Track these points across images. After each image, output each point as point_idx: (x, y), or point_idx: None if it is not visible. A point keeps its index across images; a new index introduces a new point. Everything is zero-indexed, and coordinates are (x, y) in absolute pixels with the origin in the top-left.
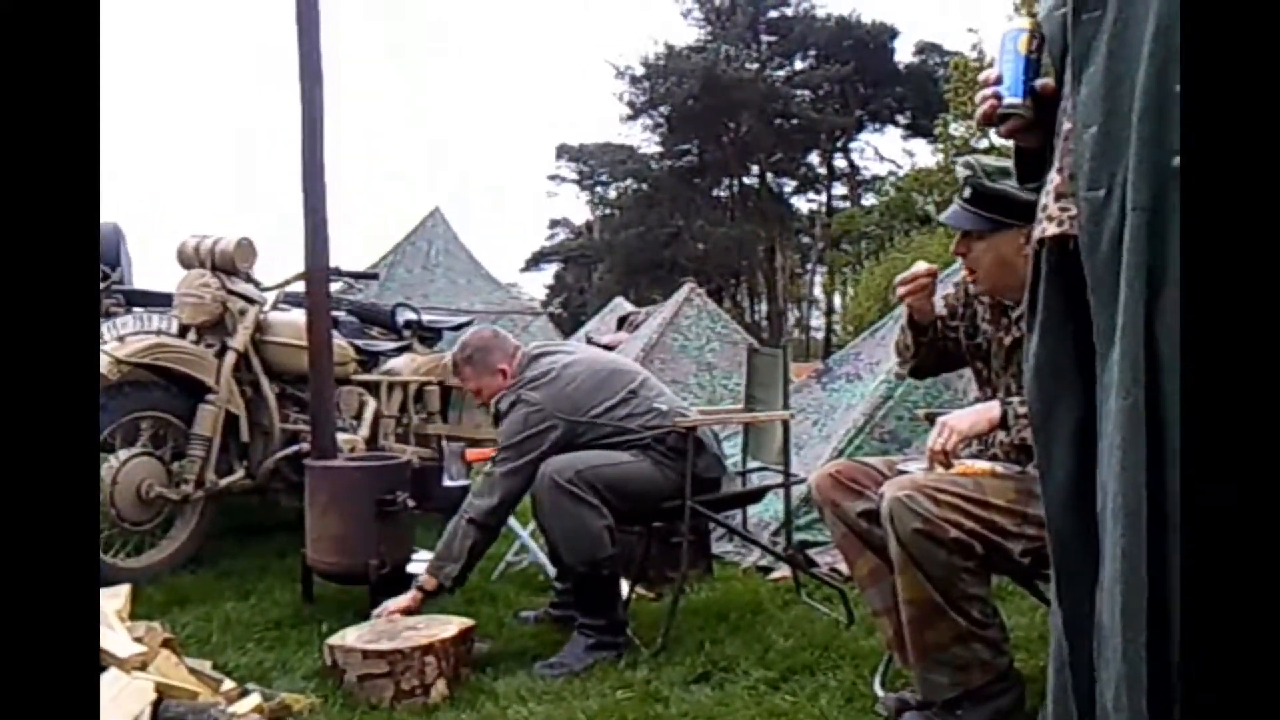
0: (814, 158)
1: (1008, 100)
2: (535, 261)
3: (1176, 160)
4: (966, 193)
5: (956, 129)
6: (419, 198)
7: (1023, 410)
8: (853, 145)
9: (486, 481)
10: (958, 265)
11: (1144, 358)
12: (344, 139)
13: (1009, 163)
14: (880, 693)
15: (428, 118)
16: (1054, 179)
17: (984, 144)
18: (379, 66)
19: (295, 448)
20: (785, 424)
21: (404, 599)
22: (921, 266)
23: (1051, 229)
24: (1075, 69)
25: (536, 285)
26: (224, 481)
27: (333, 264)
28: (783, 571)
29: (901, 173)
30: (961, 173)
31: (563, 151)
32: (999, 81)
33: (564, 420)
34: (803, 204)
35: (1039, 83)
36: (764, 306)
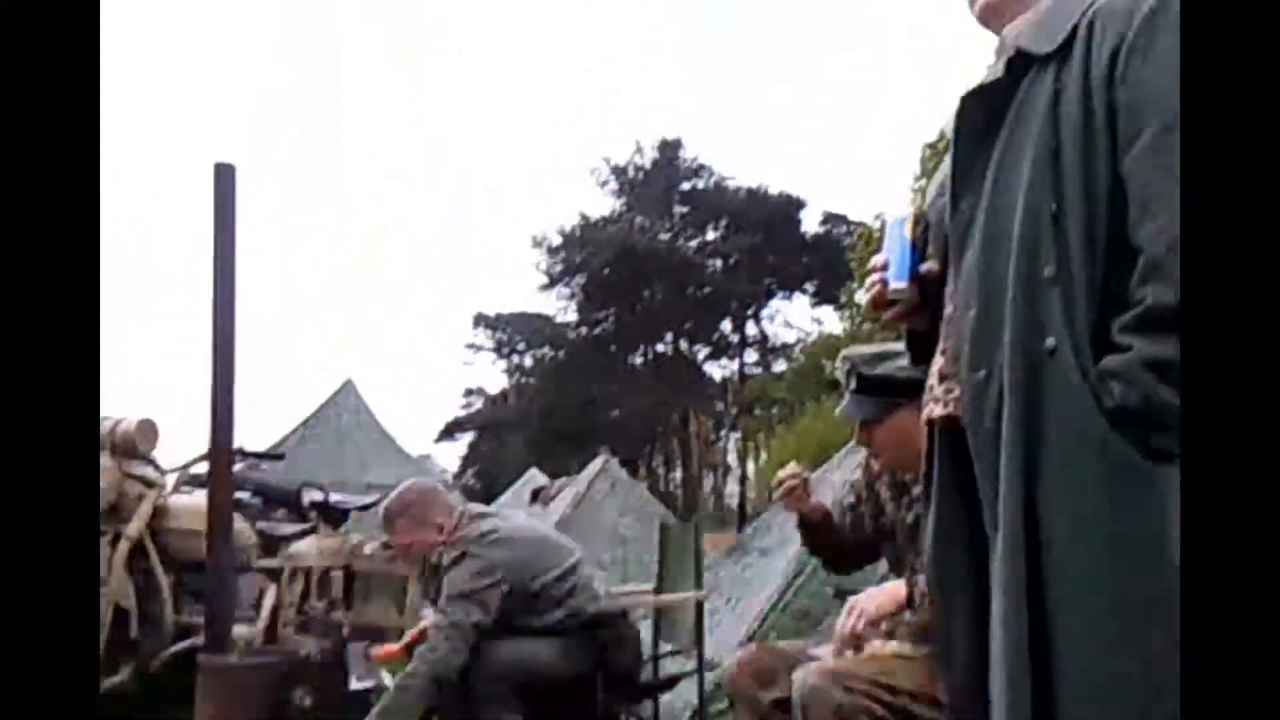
0: (726, 325)
1: (894, 285)
2: (449, 432)
3: (1049, 341)
4: (852, 384)
5: (862, 297)
6: (331, 368)
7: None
8: (763, 313)
9: (439, 634)
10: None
11: (1024, 535)
12: (255, 306)
13: (883, 346)
14: None
15: (342, 287)
16: (938, 360)
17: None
18: (291, 231)
19: (188, 643)
20: (699, 604)
21: None
22: (786, 471)
23: (938, 410)
24: (955, 254)
25: (451, 456)
26: (108, 682)
27: (238, 443)
28: None
29: (810, 339)
30: (841, 367)
31: (480, 320)
32: (885, 267)
33: (511, 584)
34: (715, 370)
35: (924, 267)
36: (679, 474)
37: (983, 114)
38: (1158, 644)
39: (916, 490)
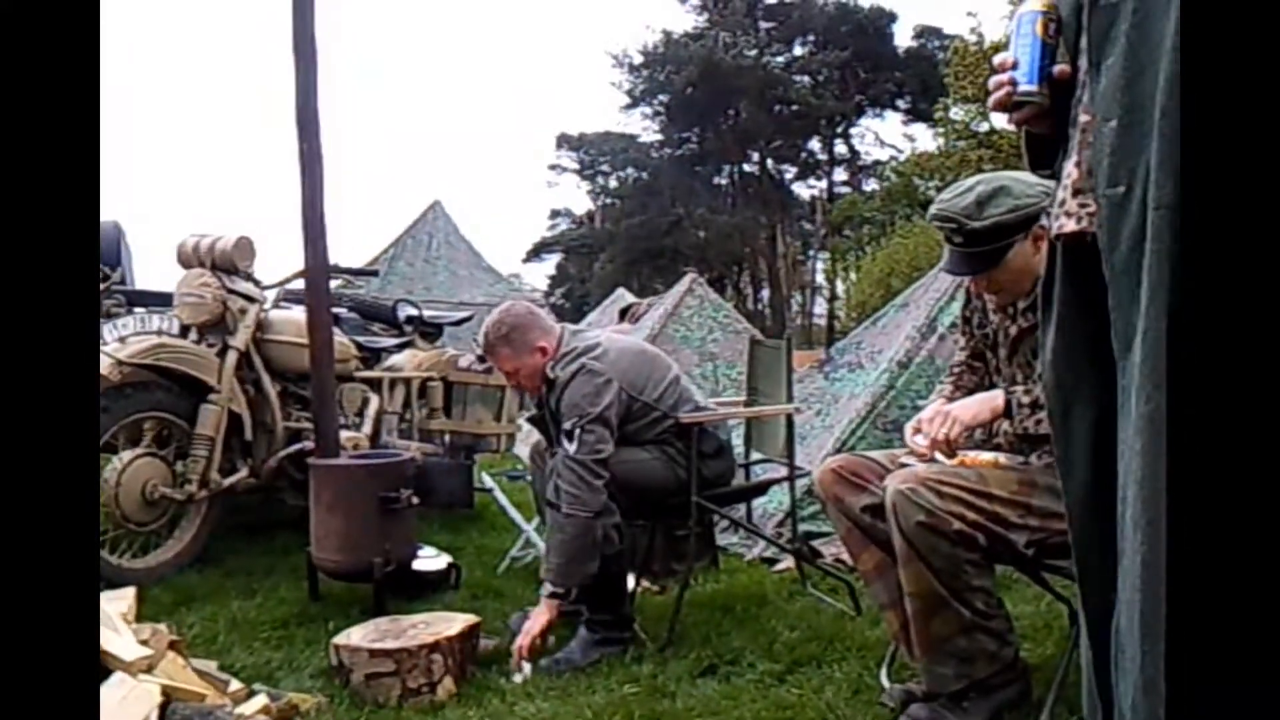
0: (814, 144)
1: (1023, 87)
2: (537, 252)
3: None
4: (958, 240)
5: (957, 113)
6: (419, 188)
7: (1026, 400)
8: (853, 130)
9: (579, 468)
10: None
11: (1166, 362)
12: (344, 129)
13: (972, 188)
14: (887, 684)
15: (427, 107)
16: (1071, 173)
17: (984, 127)
18: (378, 55)
19: (299, 446)
20: (789, 417)
21: (544, 617)
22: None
23: (1070, 225)
24: (1093, 58)
25: (538, 276)
26: (228, 481)
27: (333, 260)
28: (788, 563)
29: (902, 157)
30: (942, 226)
31: (563, 141)
32: (1015, 66)
33: (625, 395)
34: (804, 190)
35: (1055, 69)
36: (766, 294)
37: None
38: None
39: (1023, 304)
